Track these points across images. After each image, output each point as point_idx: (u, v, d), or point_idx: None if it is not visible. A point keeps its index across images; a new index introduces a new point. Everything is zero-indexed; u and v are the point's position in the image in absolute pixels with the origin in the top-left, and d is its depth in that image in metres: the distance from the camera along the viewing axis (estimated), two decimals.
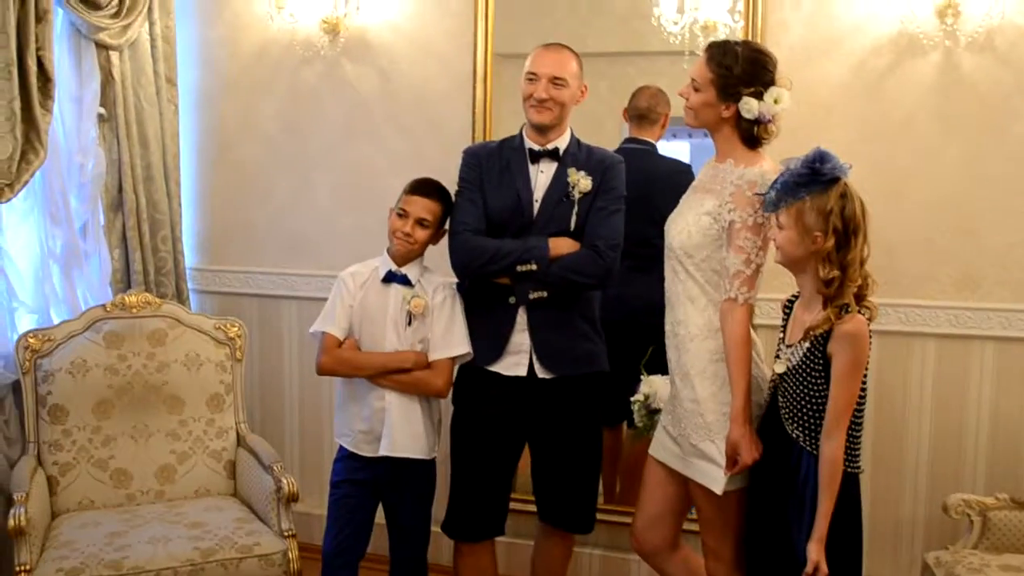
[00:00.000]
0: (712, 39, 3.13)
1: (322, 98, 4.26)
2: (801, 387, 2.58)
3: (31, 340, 3.56)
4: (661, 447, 2.97)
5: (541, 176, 3.15)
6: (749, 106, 2.70)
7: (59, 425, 3.52)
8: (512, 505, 3.34)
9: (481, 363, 3.16)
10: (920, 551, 3.51)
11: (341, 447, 3.26)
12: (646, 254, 3.40)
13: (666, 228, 2.90)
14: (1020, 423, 3.55)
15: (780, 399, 2.66)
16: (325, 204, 4.29)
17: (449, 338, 3.15)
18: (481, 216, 3.15)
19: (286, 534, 3.28)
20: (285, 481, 3.31)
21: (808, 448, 2.57)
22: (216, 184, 4.47)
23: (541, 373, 3.12)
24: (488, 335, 3.15)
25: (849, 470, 2.56)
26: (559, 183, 3.12)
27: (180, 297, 4.21)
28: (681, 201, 2.92)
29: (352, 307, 3.18)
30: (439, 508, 3.30)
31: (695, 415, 2.78)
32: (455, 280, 3.26)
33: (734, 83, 2.71)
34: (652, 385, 3.17)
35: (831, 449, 2.51)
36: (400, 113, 4.17)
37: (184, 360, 3.72)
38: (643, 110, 3.82)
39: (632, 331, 3.51)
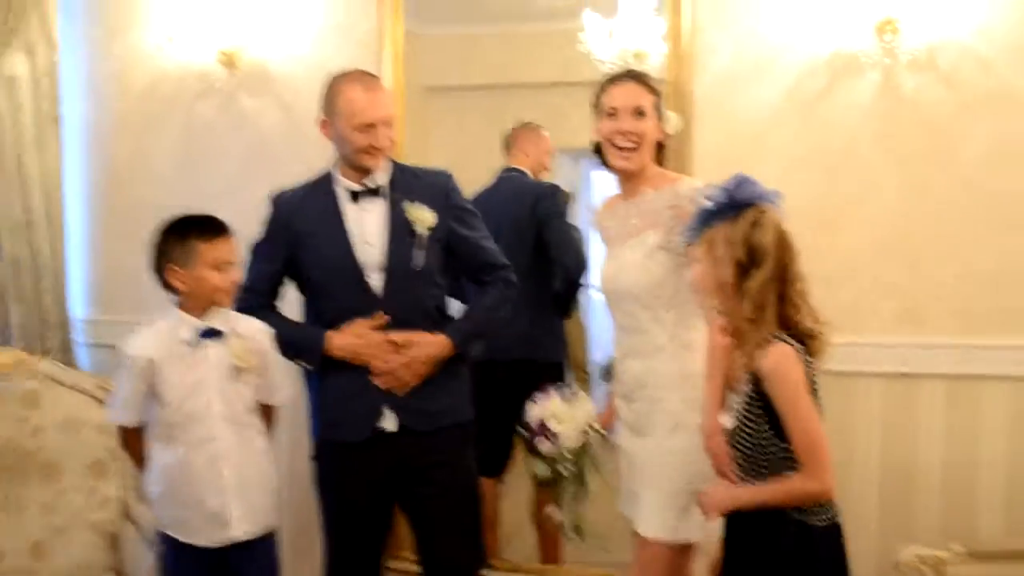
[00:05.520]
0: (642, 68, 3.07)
1: (219, 134, 3.99)
2: (751, 435, 2.31)
3: None
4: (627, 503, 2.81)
5: (368, 216, 2.89)
6: (673, 120, 2.71)
7: None
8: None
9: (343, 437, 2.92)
10: None
11: (165, 537, 2.84)
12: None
13: (610, 281, 2.76)
14: (974, 467, 3.34)
15: (738, 454, 2.38)
16: None
17: (279, 382, 2.93)
18: (266, 277, 2.98)
19: None
20: None
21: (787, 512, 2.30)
22: (107, 228, 4.17)
23: (390, 427, 2.87)
24: (344, 404, 2.91)
25: (817, 523, 2.33)
26: (397, 221, 2.86)
27: (65, 351, 3.92)
28: (606, 253, 2.81)
29: (146, 390, 2.78)
30: None
31: (653, 465, 2.68)
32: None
33: (660, 100, 2.70)
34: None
35: (818, 484, 2.30)
36: (306, 148, 3.87)
37: (62, 423, 3.42)
38: (506, 140, 3.90)
39: (498, 369, 3.42)
